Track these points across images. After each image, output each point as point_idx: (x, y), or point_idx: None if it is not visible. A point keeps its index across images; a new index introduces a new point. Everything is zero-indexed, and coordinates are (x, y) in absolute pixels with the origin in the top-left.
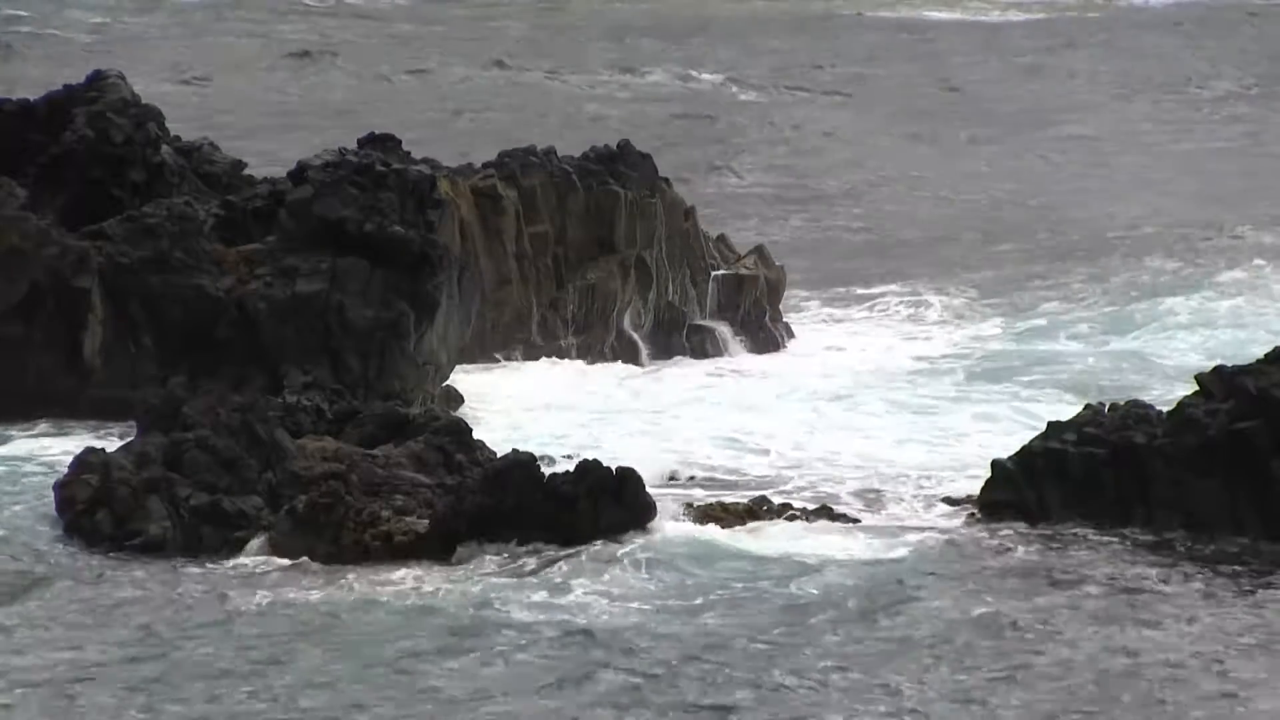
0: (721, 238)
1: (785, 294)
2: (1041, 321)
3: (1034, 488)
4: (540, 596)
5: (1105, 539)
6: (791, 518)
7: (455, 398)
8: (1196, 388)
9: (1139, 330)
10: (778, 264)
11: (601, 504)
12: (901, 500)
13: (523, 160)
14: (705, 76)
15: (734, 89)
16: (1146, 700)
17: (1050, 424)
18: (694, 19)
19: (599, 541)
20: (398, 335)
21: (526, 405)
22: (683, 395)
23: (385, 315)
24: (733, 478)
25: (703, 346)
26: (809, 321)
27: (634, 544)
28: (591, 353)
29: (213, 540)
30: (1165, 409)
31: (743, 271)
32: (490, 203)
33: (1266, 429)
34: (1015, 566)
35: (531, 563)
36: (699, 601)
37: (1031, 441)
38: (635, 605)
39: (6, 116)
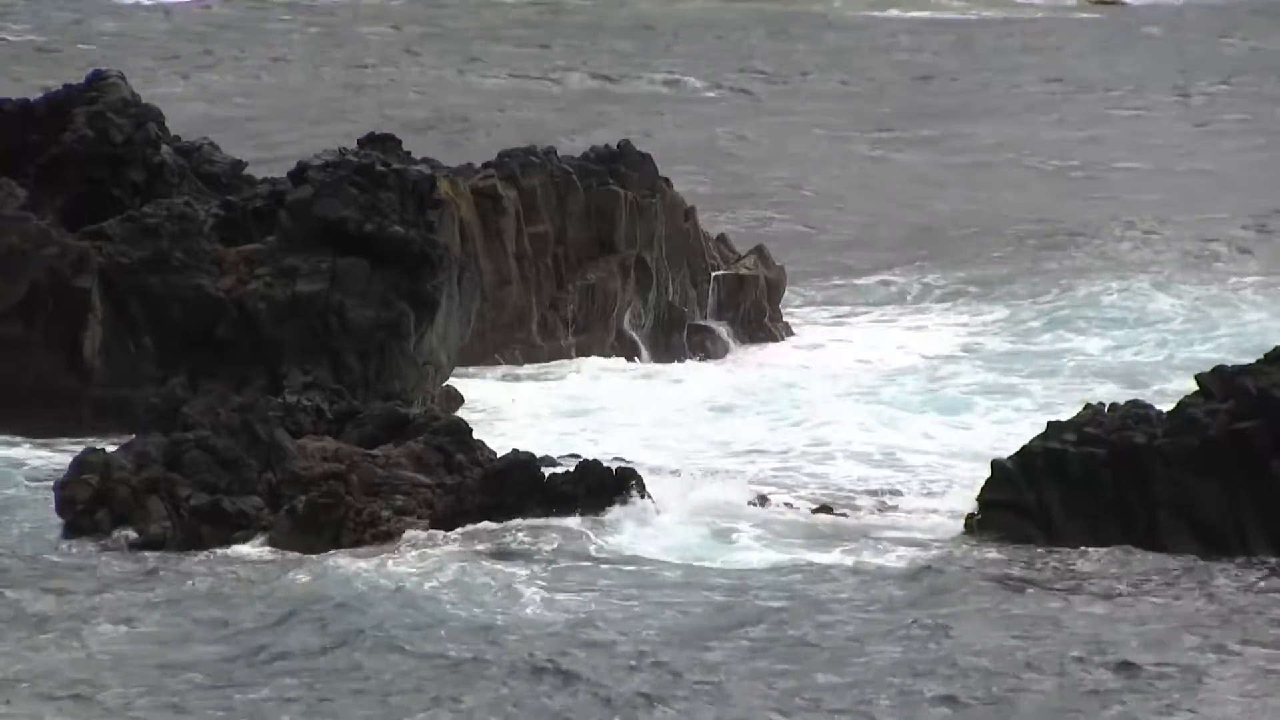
0: (721, 238)
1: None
2: (1038, 318)
3: (1033, 488)
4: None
5: (1104, 540)
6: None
7: (455, 398)
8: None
9: (1135, 326)
10: (777, 264)
11: (602, 504)
12: (901, 498)
13: (523, 160)
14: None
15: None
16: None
17: (1050, 424)
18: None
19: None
20: (398, 335)
21: (551, 419)
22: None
23: (385, 315)
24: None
25: (703, 346)
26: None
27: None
28: (591, 353)
29: (213, 540)
30: (1165, 409)
31: (743, 271)
32: (490, 203)
33: (1266, 429)
34: (1014, 567)
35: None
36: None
37: (1031, 441)
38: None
39: (6, 116)
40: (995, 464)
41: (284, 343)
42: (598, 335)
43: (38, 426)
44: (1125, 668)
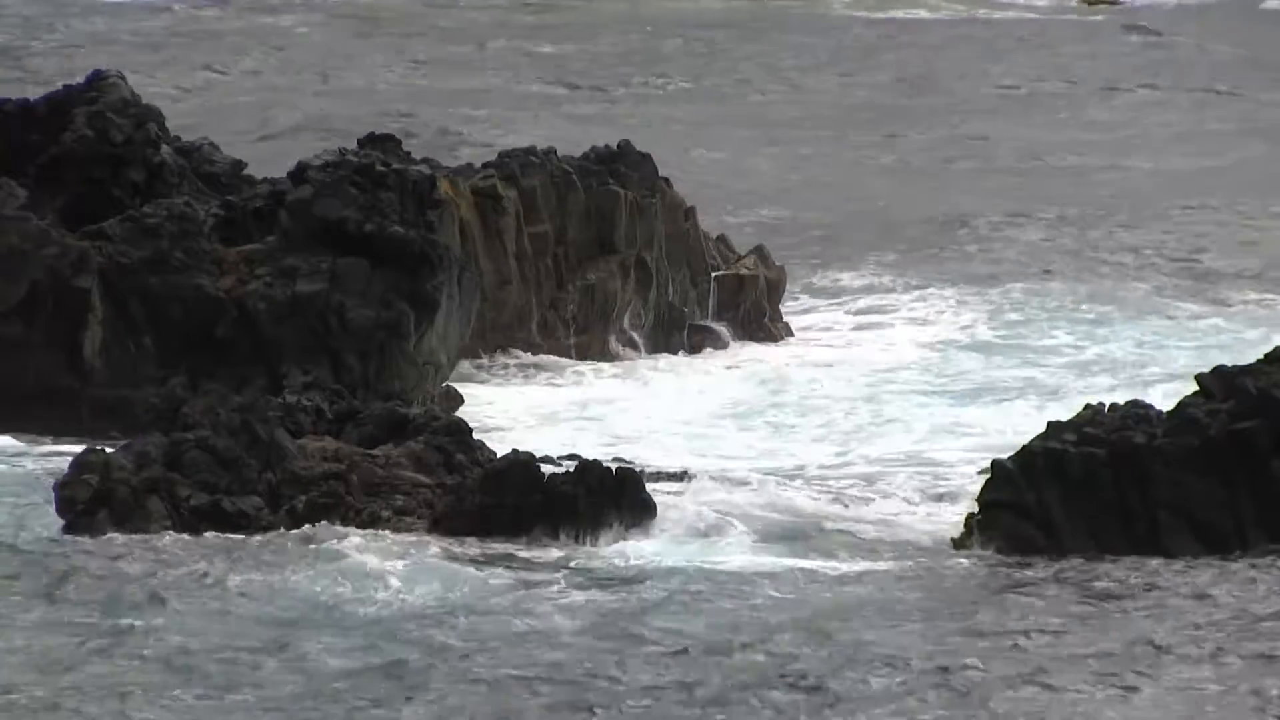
0: (721, 238)
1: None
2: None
3: (1033, 488)
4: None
5: (1104, 541)
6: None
7: (455, 398)
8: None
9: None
10: (777, 264)
11: (601, 504)
12: (901, 498)
13: (523, 160)
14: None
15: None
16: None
17: (1050, 424)
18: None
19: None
20: (398, 335)
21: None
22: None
23: (385, 315)
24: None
25: (702, 346)
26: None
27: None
28: (590, 353)
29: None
30: (1165, 409)
31: (743, 271)
32: (490, 203)
33: (1266, 429)
34: (1013, 568)
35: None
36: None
37: (1031, 441)
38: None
39: (6, 116)
40: (995, 464)
41: (284, 343)
42: (598, 335)
43: (38, 426)
44: (1125, 668)
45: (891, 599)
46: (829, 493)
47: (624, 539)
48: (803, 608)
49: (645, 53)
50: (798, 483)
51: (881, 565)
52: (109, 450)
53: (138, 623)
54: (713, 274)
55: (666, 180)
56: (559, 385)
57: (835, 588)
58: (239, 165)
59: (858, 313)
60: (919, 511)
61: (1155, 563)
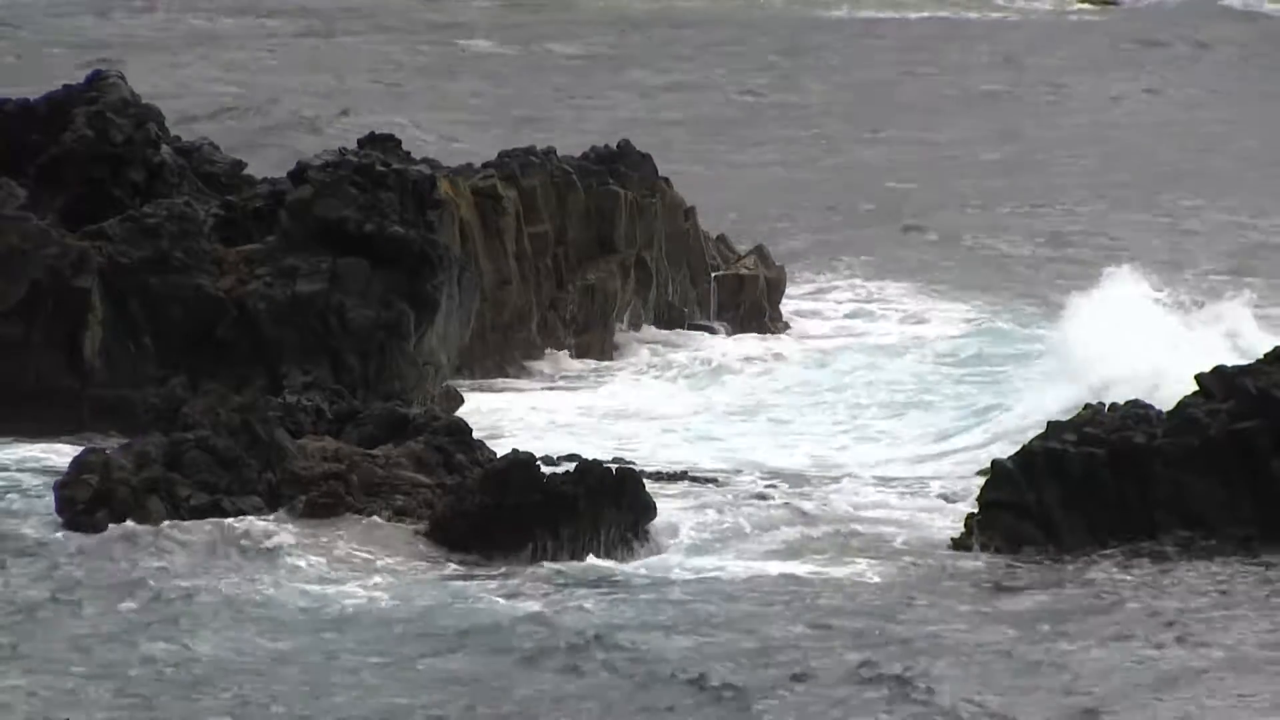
0: (721, 238)
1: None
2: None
3: (1033, 488)
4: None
5: (1104, 541)
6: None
7: (455, 398)
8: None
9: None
10: (777, 264)
11: (601, 504)
12: (902, 497)
13: (523, 160)
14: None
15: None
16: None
17: (1050, 424)
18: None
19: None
20: (398, 335)
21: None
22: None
23: (385, 315)
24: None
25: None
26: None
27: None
28: (590, 353)
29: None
30: (1165, 409)
31: (743, 271)
32: (490, 203)
33: (1266, 429)
34: (1013, 568)
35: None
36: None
37: (1031, 441)
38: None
39: (6, 116)
40: (995, 464)
41: (284, 343)
42: (597, 335)
43: (38, 426)
44: (1125, 668)
45: (892, 598)
46: (830, 492)
47: (624, 543)
48: (803, 609)
49: (649, 51)
50: (797, 483)
51: (881, 565)
52: (109, 450)
53: (138, 623)
54: (713, 274)
55: (666, 180)
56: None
57: (836, 587)
58: (239, 165)
59: (849, 315)
60: (920, 511)
61: (1153, 561)
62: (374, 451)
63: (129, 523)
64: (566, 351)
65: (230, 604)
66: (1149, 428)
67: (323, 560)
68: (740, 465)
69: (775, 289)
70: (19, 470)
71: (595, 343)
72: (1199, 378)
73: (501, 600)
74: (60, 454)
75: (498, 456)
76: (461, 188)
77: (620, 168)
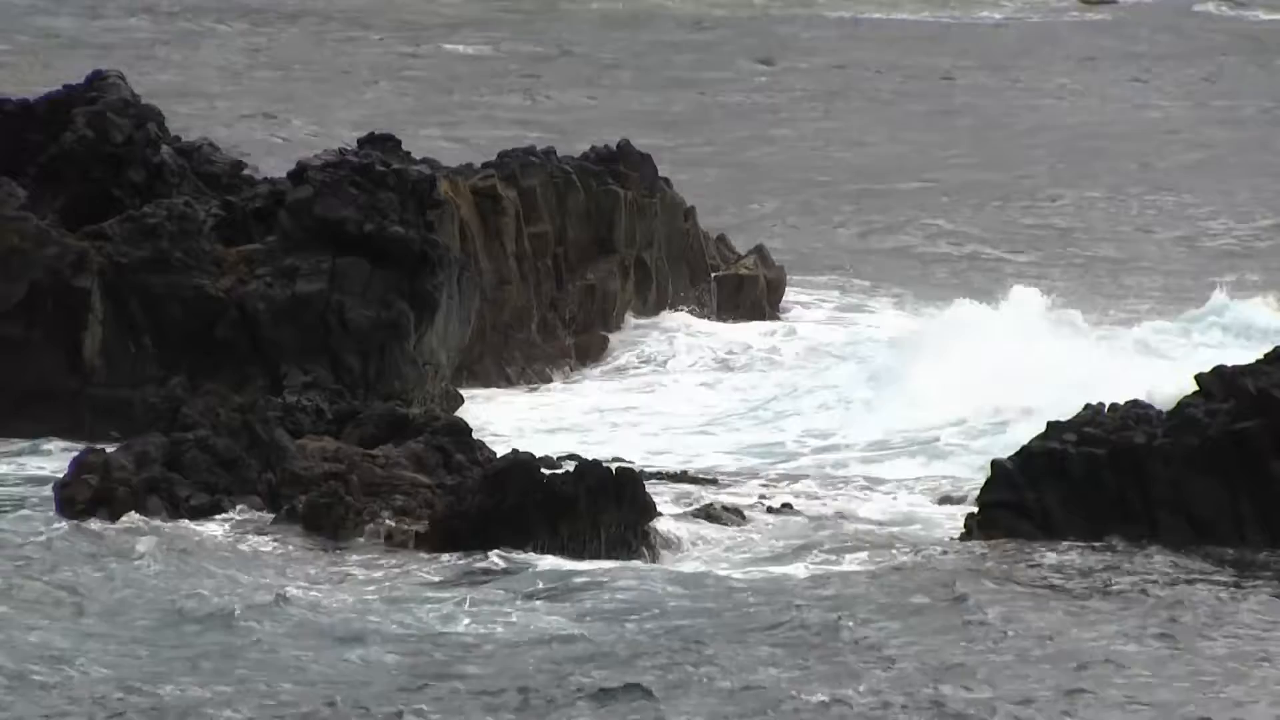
0: (721, 238)
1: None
2: None
3: (1033, 488)
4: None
5: (1104, 540)
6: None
7: (455, 398)
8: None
9: None
10: (777, 264)
11: (601, 504)
12: (902, 496)
13: (523, 160)
14: None
15: None
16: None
17: (1050, 424)
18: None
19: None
20: (398, 335)
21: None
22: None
23: (385, 315)
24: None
25: None
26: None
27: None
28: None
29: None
30: (1165, 409)
31: (742, 271)
32: (490, 203)
33: (1266, 429)
34: (1013, 568)
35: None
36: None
37: (1031, 441)
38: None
39: (6, 116)
40: (995, 464)
41: (284, 343)
42: (597, 335)
43: (38, 426)
44: (1123, 669)
45: (892, 598)
46: (830, 491)
47: (624, 543)
48: (801, 610)
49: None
50: (797, 483)
51: (882, 565)
52: (109, 450)
53: (135, 621)
54: (712, 274)
55: (666, 180)
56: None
57: (835, 588)
58: (239, 165)
59: (844, 309)
60: (920, 510)
61: (1153, 561)
62: (374, 451)
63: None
64: (565, 352)
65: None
66: (1149, 428)
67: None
68: (739, 465)
69: (775, 289)
70: (19, 470)
71: (595, 343)
72: (1199, 377)
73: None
74: (60, 454)
75: (498, 456)
76: (461, 187)
77: (620, 168)
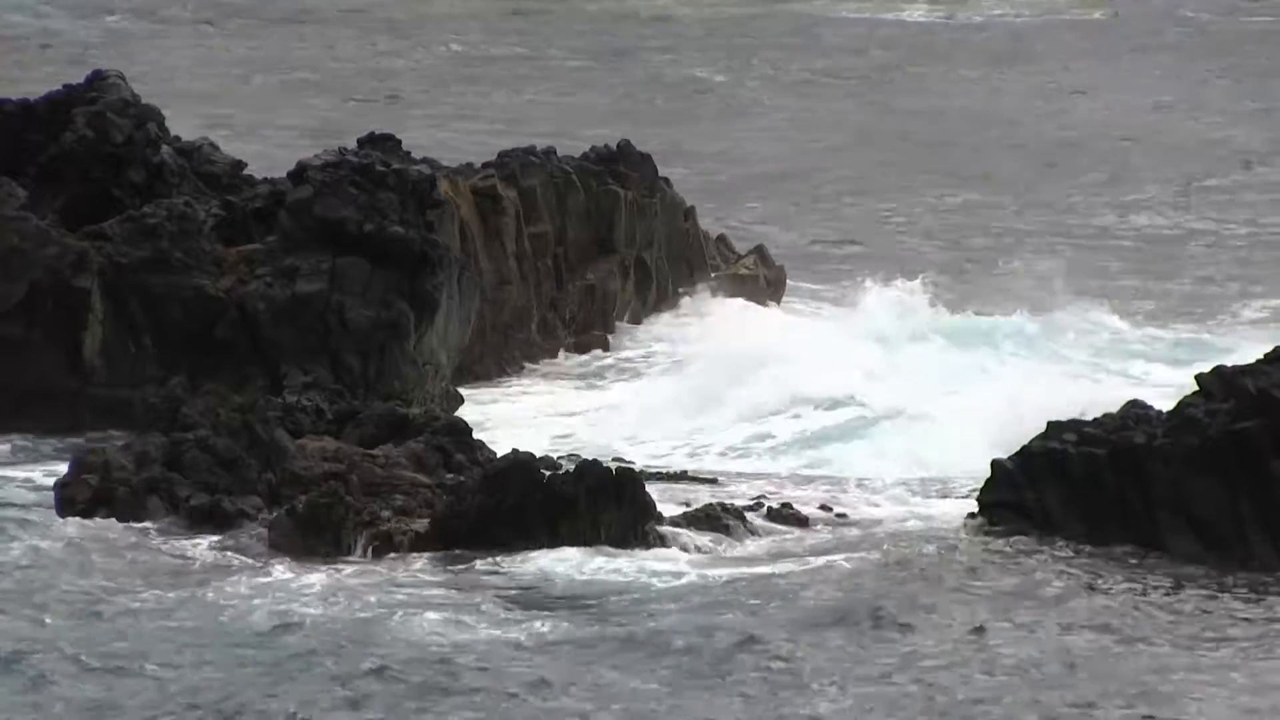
0: (721, 238)
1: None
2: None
3: (1034, 488)
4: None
5: (1104, 540)
6: (788, 520)
7: (455, 397)
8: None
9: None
10: (777, 264)
11: (601, 504)
12: (902, 496)
13: (523, 160)
14: None
15: None
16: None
17: (1050, 424)
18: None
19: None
20: (398, 335)
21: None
22: None
23: (385, 315)
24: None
25: None
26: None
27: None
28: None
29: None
30: (1165, 409)
31: (742, 271)
32: (490, 203)
33: (1266, 429)
34: (1013, 567)
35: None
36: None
37: (1031, 441)
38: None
39: (6, 116)
40: (995, 463)
41: (284, 343)
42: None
43: (38, 426)
44: (1125, 669)
45: (892, 599)
46: (830, 491)
47: (623, 543)
48: (801, 610)
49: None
50: (795, 484)
51: (873, 567)
52: (109, 450)
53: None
54: (712, 274)
55: (666, 180)
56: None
57: (836, 589)
58: (239, 165)
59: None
60: (920, 510)
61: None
62: (374, 451)
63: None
64: (564, 350)
65: None
66: (1149, 428)
67: None
68: (736, 464)
69: (775, 289)
70: (19, 470)
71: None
72: (1199, 378)
73: None
74: (60, 454)
75: (498, 456)
76: (461, 187)
77: (620, 168)
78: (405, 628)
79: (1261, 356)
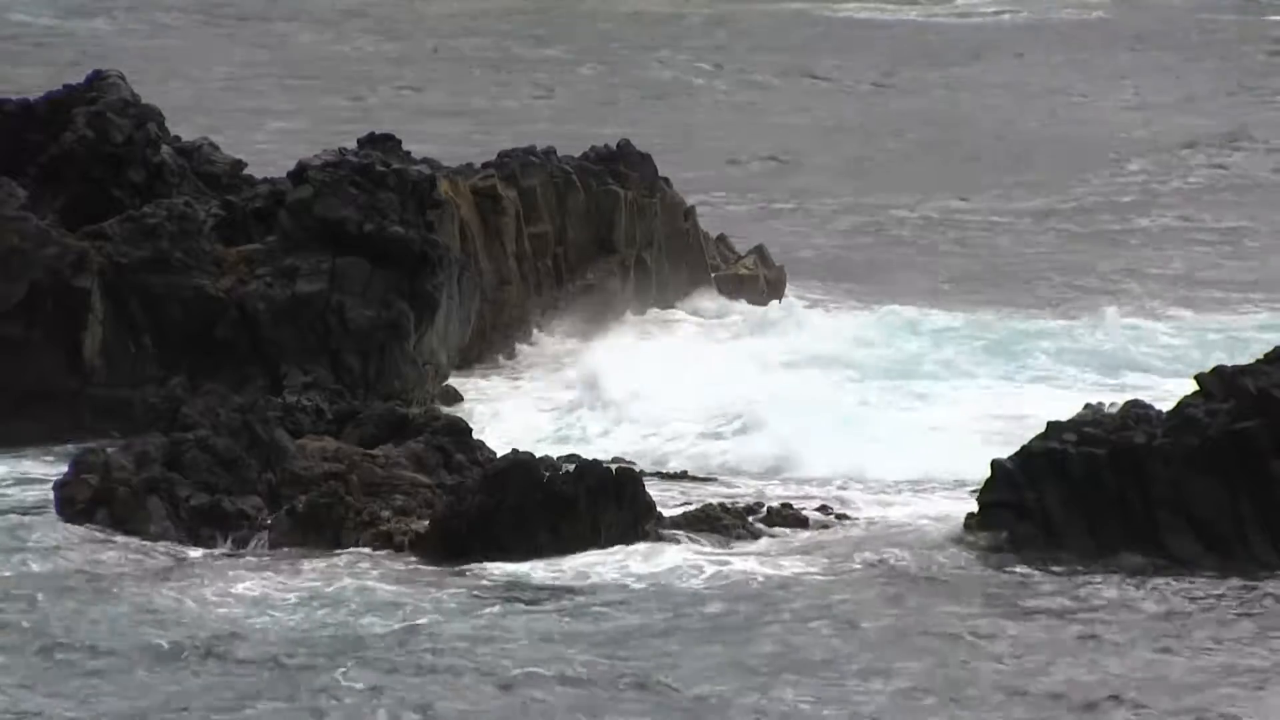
0: (721, 238)
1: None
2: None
3: (1033, 488)
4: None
5: (1104, 541)
6: (788, 520)
7: (455, 397)
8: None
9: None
10: (777, 264)
11: (601, 504)
12: (902, 495)
13: (523, 160)
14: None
15: None
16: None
17: (1050, 424)
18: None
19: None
20: (398, 335)
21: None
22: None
23: (385, 315)
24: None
25: None
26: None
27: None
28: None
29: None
30: (1165, 409)
31: (742, 272)
32: (490, 203)
33: (1266, 429)
34: (1013, 567)
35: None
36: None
37: (1031, 441)
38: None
39: (6, 116)
40: (995, 464)
41: (284, 343)
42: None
43: (38, 427)
44: (1123, 669)
45: (892, 599)
46: (832, 491)
47: (623, 543)
48: (801, 611)
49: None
50: (793, 483)
51: (873, 567)
52: (109, 450)
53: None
54: (712, 274)
55: (666, 180)
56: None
57: (837, 589)
58: (239, 165)
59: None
60: (919, 510)
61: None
62: (374, 451)
63: None
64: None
65: None
66: (1149, 428)
67: None
68: (735, 464)
69: (775, 289)
70: (18, 470)
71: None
72: (1199, 378)
73: None
74: (60, 454)
75: (498, 456)
76: (461, 187)
77: (620, 168)
78: (405, 627)
79: (1261, 356)
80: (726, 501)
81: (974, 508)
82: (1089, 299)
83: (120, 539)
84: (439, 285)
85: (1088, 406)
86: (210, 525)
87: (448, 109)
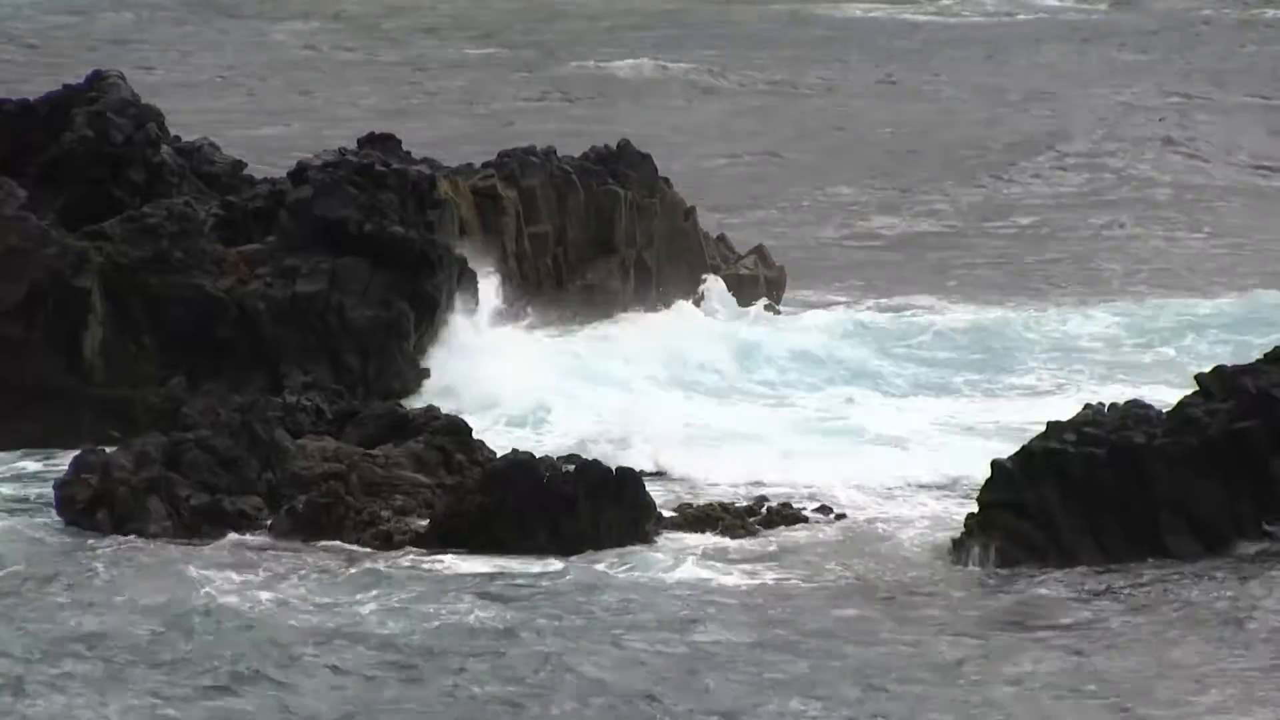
0: (721, 238)
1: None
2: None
3: (1033, 488)
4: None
5: (1104, 540)
6: (788, 520)
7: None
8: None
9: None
10: (777, 264)
11: (601, 505)
12: (901, 495)
13: (523, 160)
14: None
15: None
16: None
17: (1050, 424)
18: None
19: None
20: (398, 335)
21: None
22: None
23: (385, 315)
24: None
25: None
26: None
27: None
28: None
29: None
30: (1165, 409)
31: (743, 271)
32: (490, 203)
33: (1266, 429)
34: (1013, 568)
35: None
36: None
37: (1031, 441)
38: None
39: (6, 116)
40: (995, 464)
41: (284, 343)
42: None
43: (38, 427)
44: (1123, 668)
45: (891, 599)
46: (832, 491)
47: (623, 541)
48: (802, 611)
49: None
50: (793, 484)
51: (872, 567)
52: (109, 450)
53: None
54: (713, 274)
55: (666, 180)
56: None
57: (838, 590)
58: (239, 165)
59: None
60: (919, 510)
61: (1153, 560)
62: (374, 451)
63: None
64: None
65: None
66: (1149, 428)
67: None
68: (734, 463)
69: (776, 289)
70: (18, 470)
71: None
72: (1199, 378)
73: None
74: (60, 454)
75: (498, 456)
76: (461, 187)
77: (620, 168)
78: (404, 627)
79: (1262, 356)
80: (726, 501)
81: (974, 508)
82: (1089, 299)
83: (120, 539)
84: (439, 285)
85: (1087, 407)
86: (210, 525)
87: (447, 109)
